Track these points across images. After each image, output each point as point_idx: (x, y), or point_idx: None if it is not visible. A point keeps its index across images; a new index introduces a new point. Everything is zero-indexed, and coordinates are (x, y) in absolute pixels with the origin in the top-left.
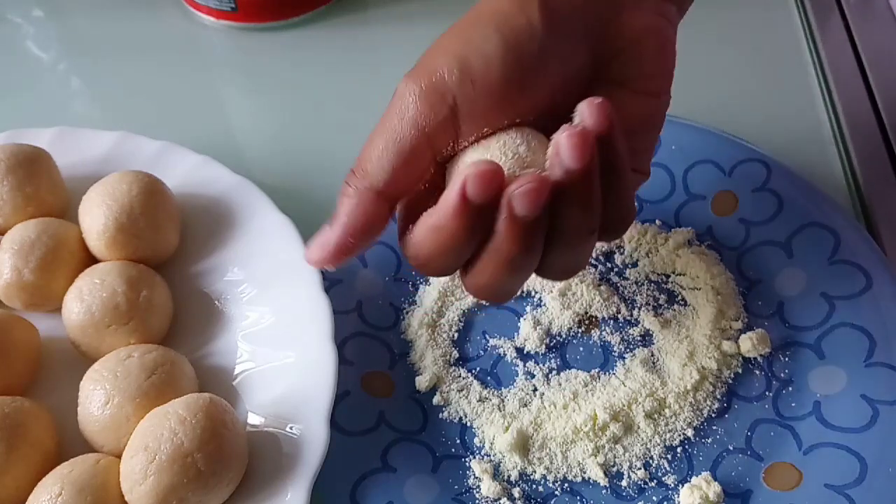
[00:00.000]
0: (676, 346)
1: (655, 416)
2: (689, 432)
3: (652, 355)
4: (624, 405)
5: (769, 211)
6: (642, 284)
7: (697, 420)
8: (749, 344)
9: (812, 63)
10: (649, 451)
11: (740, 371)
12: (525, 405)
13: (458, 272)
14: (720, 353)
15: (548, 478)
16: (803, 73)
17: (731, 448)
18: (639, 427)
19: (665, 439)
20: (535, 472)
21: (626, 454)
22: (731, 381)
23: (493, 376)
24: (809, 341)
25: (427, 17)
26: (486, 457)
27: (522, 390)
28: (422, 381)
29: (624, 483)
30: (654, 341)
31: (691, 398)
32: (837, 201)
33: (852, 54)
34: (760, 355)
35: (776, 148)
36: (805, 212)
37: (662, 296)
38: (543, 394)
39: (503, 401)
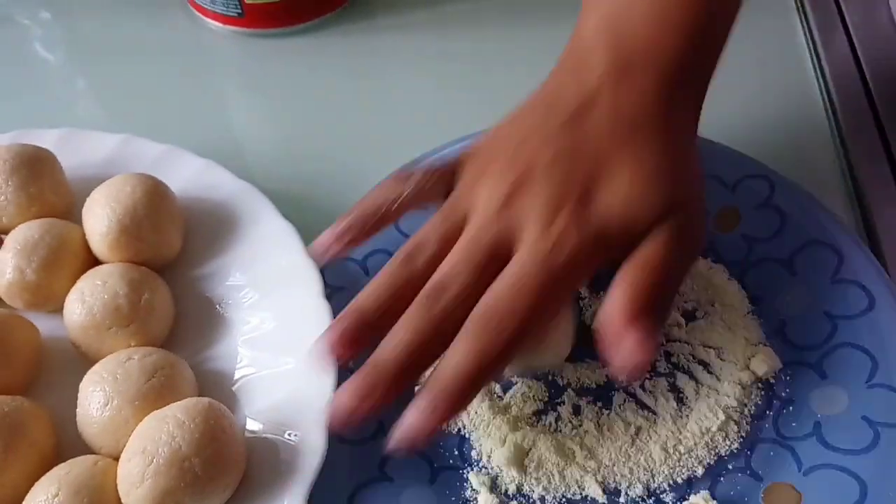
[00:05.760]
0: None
1: (670, 449)
2: (699, 470)
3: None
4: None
5: (772, 228)
6: None
7: (710, 457)
8: (765, 366)
9: (816, 79)
10: (653, 477)
11: (760, 402)
12: (524, 420)
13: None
14: (741, 388)
15: (546, 497)
16: (806, 89)
17: (729, 467)
18: (650, 454)
19: (674, 472)
20: (533, 490)
21: (630, 475)
22: (751, 416)
23: (493, 388)
24: (811, 361)
25: (433, 27)
26: (483, 469)
27: (522, 404)
28: None
29: (622, 500)
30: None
31: (707, 438)
32: (841, 218)
33: (856, 71)
34: (772, 376)
35: (778, 163)
36: (808, 229)
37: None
38: (544, 410)
39: (502, 414)
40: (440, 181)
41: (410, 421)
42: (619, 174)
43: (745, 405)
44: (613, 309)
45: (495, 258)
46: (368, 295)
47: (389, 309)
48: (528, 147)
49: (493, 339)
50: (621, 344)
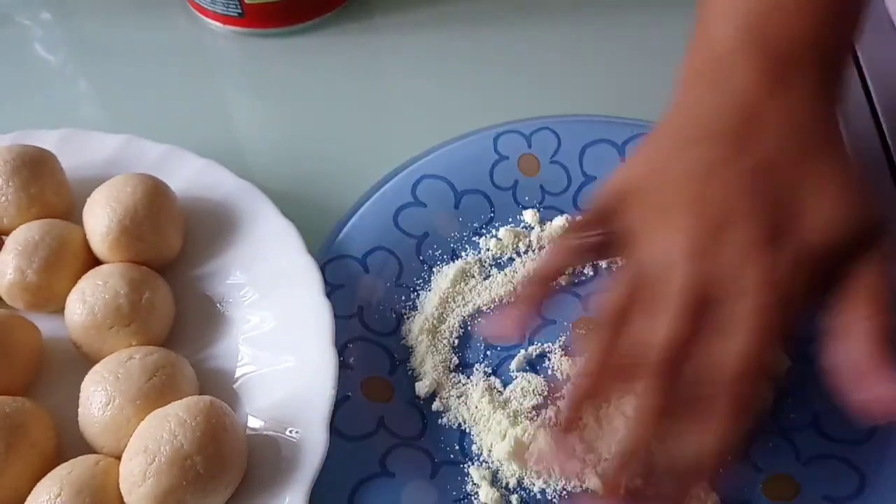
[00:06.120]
0: None
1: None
2: None
3: None
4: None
5: None
6: None
7: None
8: (774, 366)
9: None
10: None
11: (768, 406)
12: (524, 414)
13: None
14: None
15: (546, 490)
16: None
17: (729, 458)
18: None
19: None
20: (533, 484)
21: None
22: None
23: (493, 383)
24: (810, 353)
25: (433, 26)
26: (484, 463)
27: (522, 398)
28: (421, 387)
29: (622, 493)
30: None
31: None
32: None
33: (854, 67)
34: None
35: None
36: None
37: None
38: (544, 404)
39: (502, 408)
40: (604, 227)
41: None
42: (816, 195)
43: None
44: (860, 349)
45: (711, 307)
46: (590, 370)
47: (610, 377)
48: (707, 182)
49: (746, 392)
50: (875, 387)
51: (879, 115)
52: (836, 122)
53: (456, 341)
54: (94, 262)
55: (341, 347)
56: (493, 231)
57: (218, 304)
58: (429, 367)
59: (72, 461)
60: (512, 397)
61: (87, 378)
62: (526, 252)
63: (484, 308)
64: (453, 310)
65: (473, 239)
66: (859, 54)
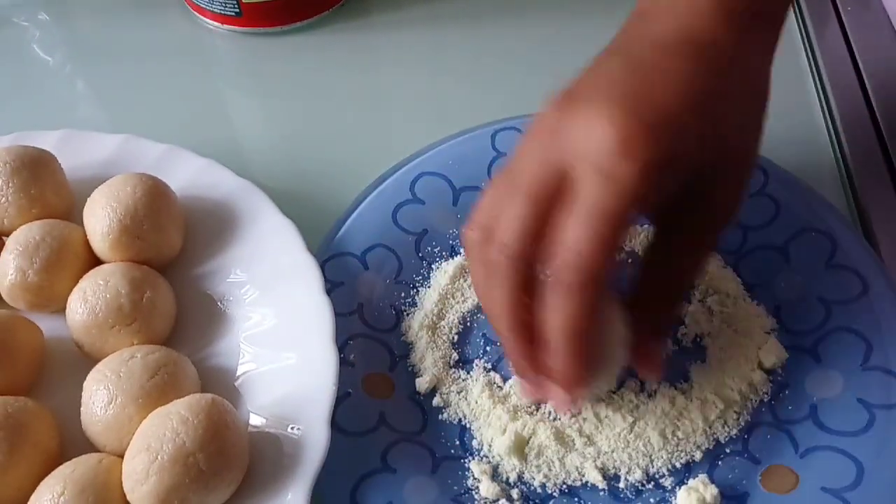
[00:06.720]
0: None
1: (668, 435)
2: (697, 455)
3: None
4: (629, 419)
5: (766, 216)
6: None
7: (709, 443)
8: (773, 358)
9: (809, 69)
10: (652, 462)
11: (766, 398)
12: (524, 409)
13: None
14: (747, 385)
15: (546, 484)
16: (800, 79)
17: (727, 451)
18: (649, 440)
19: (672, 457)
20: (534, 478)
21: (630, 461)
22: (751, 410)
23: (493, 378)
24: (806, 345)
25: (429, 23)
26: (484, 458)
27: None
28: (422, 383)
29: (621, 485)
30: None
31: (706, 426)
32: (834, 206)
33: (849, 60)
34: (781, 366)
35: (772, 152)
36: (802, 217)
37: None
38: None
39: (502, 403)
40: None
41: (559, 393)
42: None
43: (750, 399)
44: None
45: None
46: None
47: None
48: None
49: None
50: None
51: (878, 115)
52: (728, 39)
53: (455, 337)
54: (94, 261)
55: (342, 344)
56: None
57: (219, 303)
58: (429, 363)
59: (74, 460)
60: (512, 392)
61: (89, 377)
62: None
63: None
64: (452, 306)
65: None
66: (858, 55)
